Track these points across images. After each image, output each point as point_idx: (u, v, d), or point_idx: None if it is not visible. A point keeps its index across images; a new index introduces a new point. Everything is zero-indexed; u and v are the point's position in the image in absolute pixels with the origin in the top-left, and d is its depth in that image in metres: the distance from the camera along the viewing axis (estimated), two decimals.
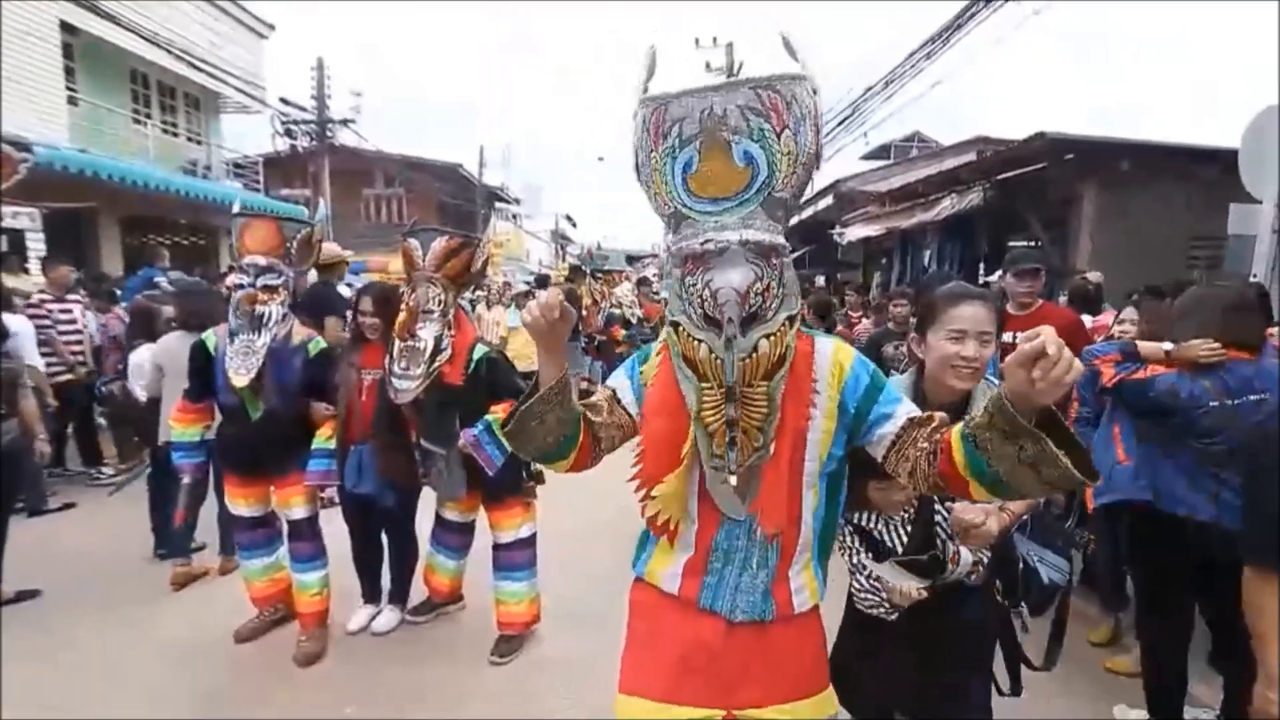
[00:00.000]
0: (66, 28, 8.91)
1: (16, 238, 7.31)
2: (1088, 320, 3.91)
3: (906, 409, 1.15)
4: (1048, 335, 0.84)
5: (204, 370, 2.67)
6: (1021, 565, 1.60)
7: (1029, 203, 6.76)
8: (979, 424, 0.96)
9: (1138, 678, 2.28)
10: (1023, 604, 1.60)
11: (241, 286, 2.48)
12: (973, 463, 0.99)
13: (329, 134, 14.17)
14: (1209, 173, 5.60)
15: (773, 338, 1.04)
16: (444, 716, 2.35)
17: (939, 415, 1.11)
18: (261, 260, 2.47)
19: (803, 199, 1.11)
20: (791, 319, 1.07)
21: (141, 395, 3.64)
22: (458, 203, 19.62)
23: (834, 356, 1.18)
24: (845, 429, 1.18)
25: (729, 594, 1.22)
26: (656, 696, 1.23)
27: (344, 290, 8.60)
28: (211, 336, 2.66)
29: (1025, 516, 1.58)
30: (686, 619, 1.24)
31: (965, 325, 1.45)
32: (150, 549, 3.64)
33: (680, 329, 1.09)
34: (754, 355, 1.04)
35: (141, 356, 3.76)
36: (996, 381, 1.62)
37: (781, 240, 1.04)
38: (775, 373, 1.06)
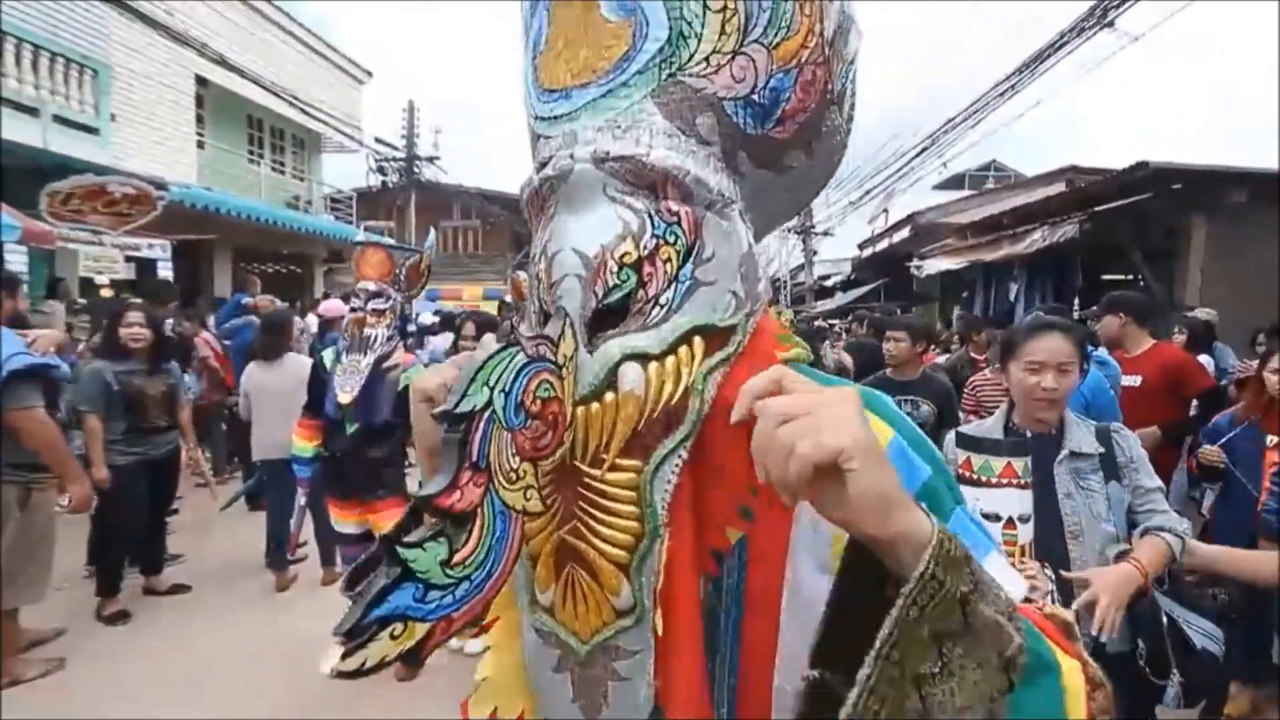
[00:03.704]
0: (199, 80, 9.96)
1: (150, 266, 8.13)
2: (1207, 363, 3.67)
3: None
4: (750, 393, 0.47)
5: (317, 386, 2.86)
6: (1167, 626, 1.43)
7: (1129, 235, 6.42)
8: None
9: None
10: (1174, 674, 1.41)
11: (356, 310, 2.69)
12: None
13: (416, 170, 15.10)
14: None
15: (654, 365, 0.54)
16: None
17: None
18: (372, 285, 2.65)
19: (788, 148, 0.62)
20: (712, 334, 0.56)
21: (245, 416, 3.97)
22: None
23: None
24: None
25: None
26: None
27: (427, 318, 9.09)
28: (330, 353, 2.87)
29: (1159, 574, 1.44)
30: None
31: (1043, 357, 1.46)
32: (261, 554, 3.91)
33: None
34: (604, 398, 0.54)
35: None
36: (1090, 421, 1.57)
37: (688, 164, 0.56)
38: (656, 445, 0.54)
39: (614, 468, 0.54)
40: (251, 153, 12.26)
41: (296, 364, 3.71)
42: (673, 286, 0.55)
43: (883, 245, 13.65)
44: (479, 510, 0.54)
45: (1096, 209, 6.07)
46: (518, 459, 0.55)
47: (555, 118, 0.60)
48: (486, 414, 0.54)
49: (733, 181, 0.60)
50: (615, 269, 0.55)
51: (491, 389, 0.54)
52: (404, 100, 15.94)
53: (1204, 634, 1.46)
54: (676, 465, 0.55)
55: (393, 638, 0.53)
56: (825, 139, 0.64)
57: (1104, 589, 1.27)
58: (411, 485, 2.96)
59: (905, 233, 11.19)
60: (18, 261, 6.40)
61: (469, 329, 2.93)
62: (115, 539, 3.34)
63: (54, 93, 7.34)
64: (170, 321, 4.61)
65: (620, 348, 0.54)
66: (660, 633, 0.55)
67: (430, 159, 15.46)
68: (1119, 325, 3.10)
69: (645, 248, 0.55)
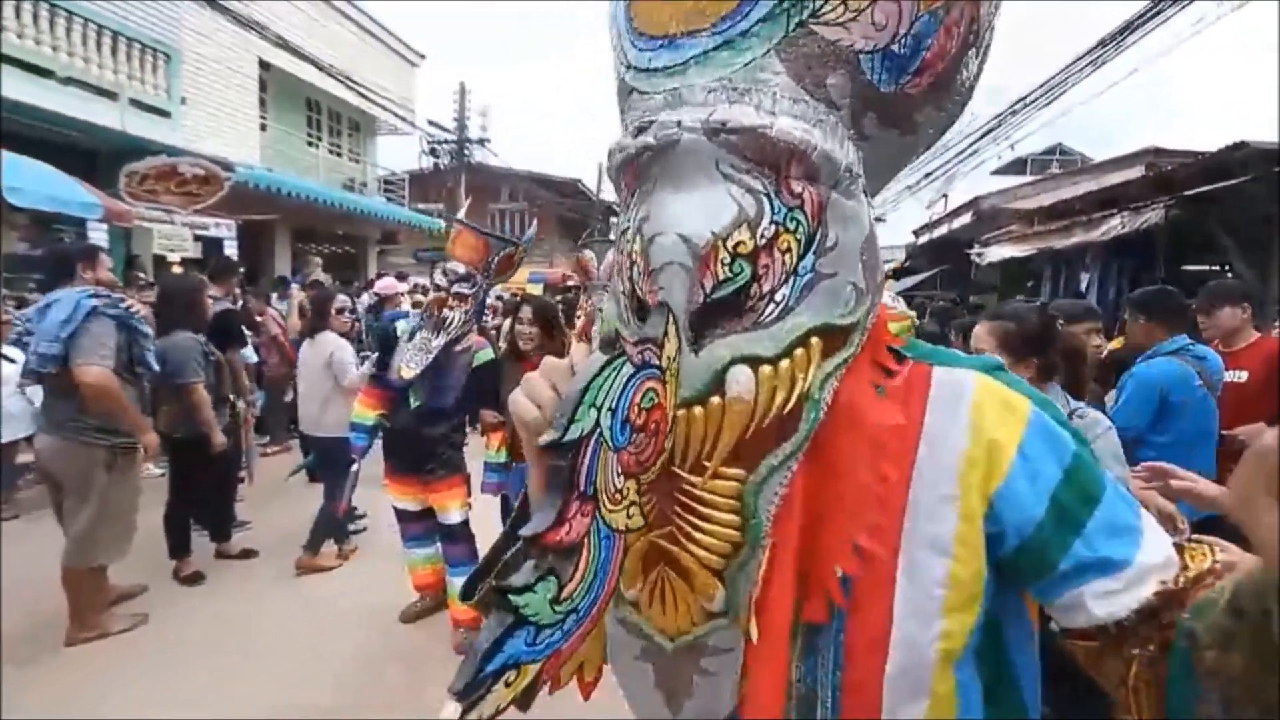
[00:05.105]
0: (262, 64, 10.25)
1: (216, 245, 8.47)
2: None
3: (1152, 558, 0.53)
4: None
5: (387, 354, 2.87)
6: None
7: (1219, 222, 5.96)
8: (1213, 616, 0.47)
9: None
10: None
11: (440, 287, 2.70)
12: (1175, 688, 0.50)
13: (466, 153, 15.28)
14: None
15: (766, 369, 0.49)
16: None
17: (1218, 560, 0.54)
18: (461, 269, 2.65)
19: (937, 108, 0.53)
20: (831, 334, 0.50)
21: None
22: (575, 216, 20.40)
23: (978, 418, 0.55)
24: (993, 566, 0.55)
25: None
26: None
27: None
28: (403, 324, 2.90)
29: None
30: None
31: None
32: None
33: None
34: (709, 403, 0.49)
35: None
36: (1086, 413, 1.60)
37: (815, 136, 0.49)
38: (764, 454, 0.50)
39: (717, 475, 0.50)
40: (310, 135, 12.59)
41: (324, 343, 3.69)
42: (790, 281, 0.49)
43: (941, 231, 13.14)
44: (585, 539, 0.49)
45: (1187, 193, 5.65)
46: (621, 478, 0.50)
47: (655, 70, 0.51)
48: (594, 437, 0.49)
49: (857, 150, 0.52)
50: (728, 260, 0.48)
51: (599, 409, 0.49)
52: (455, 83, 16.11)
53: None
54: (785, 477, 0.51)
55: (506, 685, 0.49)
56: (958, 90, 0.55)
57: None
58: (469, 465, 2.98)
59: (966, 218, 10.72)
60: (99, 238, 6.74)
61: (526, 313, 2.93)
62: (187, 504, 3.49)
63: (130, 77, 7.66)
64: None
65: (730, 349, 0.49)
66: (754, 640, 0.52)
67: (481, 141, 15.61)
68: (1242, 317, 2.87)
69: (763, 236, 0.48)
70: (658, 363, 0.50)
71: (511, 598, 0.47)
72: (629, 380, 0.50)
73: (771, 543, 0.51)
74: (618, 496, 0.51)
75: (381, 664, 2.71)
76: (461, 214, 2.89)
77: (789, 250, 0.49)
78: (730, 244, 0.48)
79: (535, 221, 3.40)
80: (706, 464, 0.50)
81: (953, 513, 0.54)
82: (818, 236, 0.50)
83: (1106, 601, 0.53)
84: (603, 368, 0.50)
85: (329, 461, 3.64)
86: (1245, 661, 0.42)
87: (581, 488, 0.49)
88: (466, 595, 0.54)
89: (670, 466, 0.51)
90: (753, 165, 0.49)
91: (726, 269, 0.48)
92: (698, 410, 0.49)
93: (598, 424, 0.49)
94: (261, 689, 2.50)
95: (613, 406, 0.49)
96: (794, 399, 0.49)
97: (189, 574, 3.39)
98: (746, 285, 0.49)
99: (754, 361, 0.49)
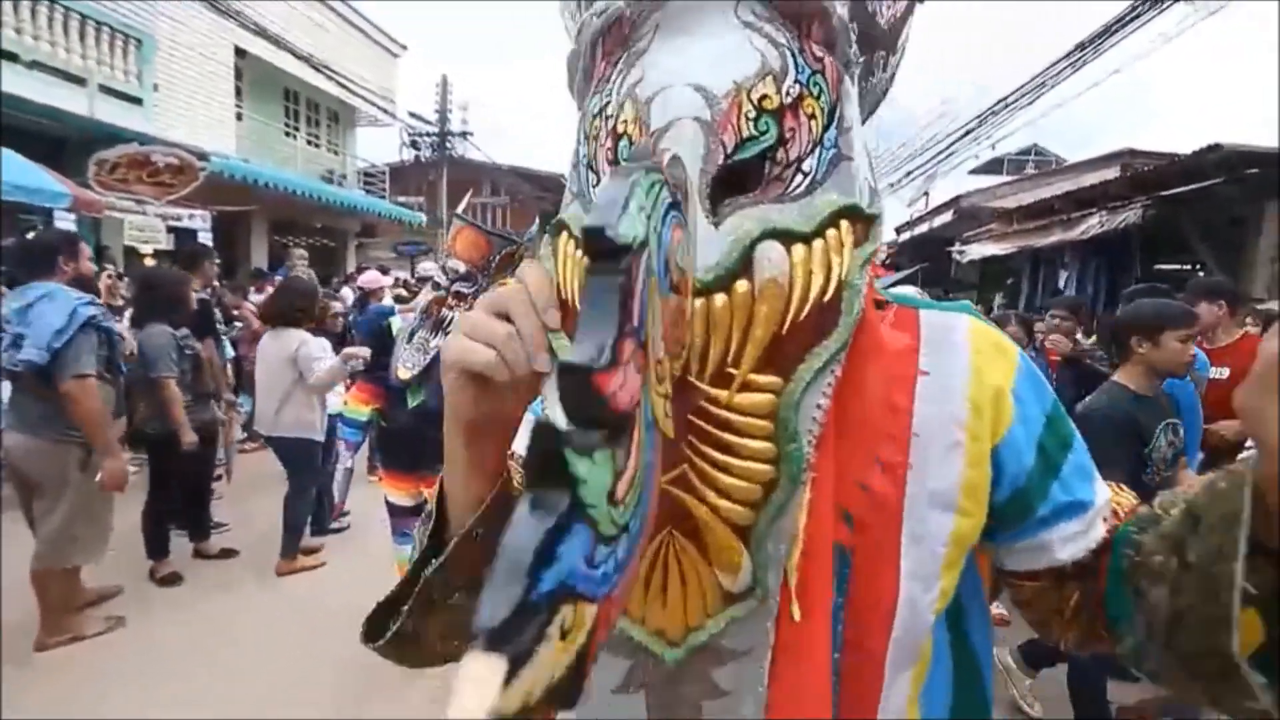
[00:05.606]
0: (238, 52, 9.99)
1: (190, 236, 8.26)
2: None
3: (1103, 499, 0.53)
4: None
5: (383, 351, 2.82)
6: None
7: (1193, 222, 6.11)
8: (1165, 525, 0.44)
9: None
10: None
11: (439, 286, 2.64)
12: (1112, 601, 0.49)
13: (449, 146, 15.10)
14: None
15: (799, 248, 0.42)
16: None
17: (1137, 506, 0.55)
18: (462, 267, 2.58)
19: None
20: (859, 220, 0.44)
21: None
22: (557, 211, 20.28)
23: (979, 362, 0.51)
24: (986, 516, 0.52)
25: None
26: None
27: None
28: (397, 320, 2.84)
29: None
30: None
31: None
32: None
33: (565, 237, 0.48)
34: (735, 289, 0.41)
35: None
36: None
37: (840, 5, 0.45)
38: (801, 356, 0.42)
39: (746, 386, 0.41)
40: (287, 125, 12.32)
41: (291, 335, 3.38)
42: (816, 152, 0.44)
43: (922, 229, 13.31)
44: (636, 414, 0.31)
45: (1163, 193, 5.78)
46: (662, 348, 0.36)
47: None
48: (643, 259, 0.31)
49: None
50: (753, 115, 0.42)
51: (649, 219, 0.32)
52: (438, 75, 15.91)
53: None
54: (828, 386, 0.42)
55: (563, 635, 0.25)
56: (895, 54, 0.54)
57: None
58: None
59: (947, 216, 10.86)
60: (67, 229, 6.53)
61: None
62: (168, 504, 3.39)
63: (100, 62, 7.41)
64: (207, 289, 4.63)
65: (758, 222, 0.41)
66: (796, 619, 0.42)
67: (463, 134, 15.44)
68: (1219, 314, 2.93)
69: (788, 94, 0.42)
70: (684, 214, 0.38)
71: (569, 457, 0.25)
72: (667, 211, 0.34)
73: (813, 478, 0.42)
74: (660, 369, 0.35)
75: (368, 664, 2.66)
76: (461, 209, 2.84)
77: (814, 116, 0.43)
78: (755, 97, 0.42)
79: (538, 219, 3.34)
80: (733, 371, 0.40)
81: (958, 460, 0.48)
82: (838, 111, 0.45)
83: (1071, 544, 0.51)
84: (647, 172, 0.33)
85: (287, 463, 3.50)
86: (1193, 566, 0.40)
87: (635, 322, 0.30)
88: (370, 635, 0.41)
89: (685, 376, 0.40)
90: (775, 15, 0.44)
91: (752, 125, 0.42)
92: (719, 299, 0.40)
93: (646, 243, 0.31)
94: (244, 692, 2.44)
95: (659, 230, 0.33)
96: (833, 285, 0.42)
97: (166, 575, 3.30)
98: (772, 148, 0.42)
99: (785, 238, 0.41)
